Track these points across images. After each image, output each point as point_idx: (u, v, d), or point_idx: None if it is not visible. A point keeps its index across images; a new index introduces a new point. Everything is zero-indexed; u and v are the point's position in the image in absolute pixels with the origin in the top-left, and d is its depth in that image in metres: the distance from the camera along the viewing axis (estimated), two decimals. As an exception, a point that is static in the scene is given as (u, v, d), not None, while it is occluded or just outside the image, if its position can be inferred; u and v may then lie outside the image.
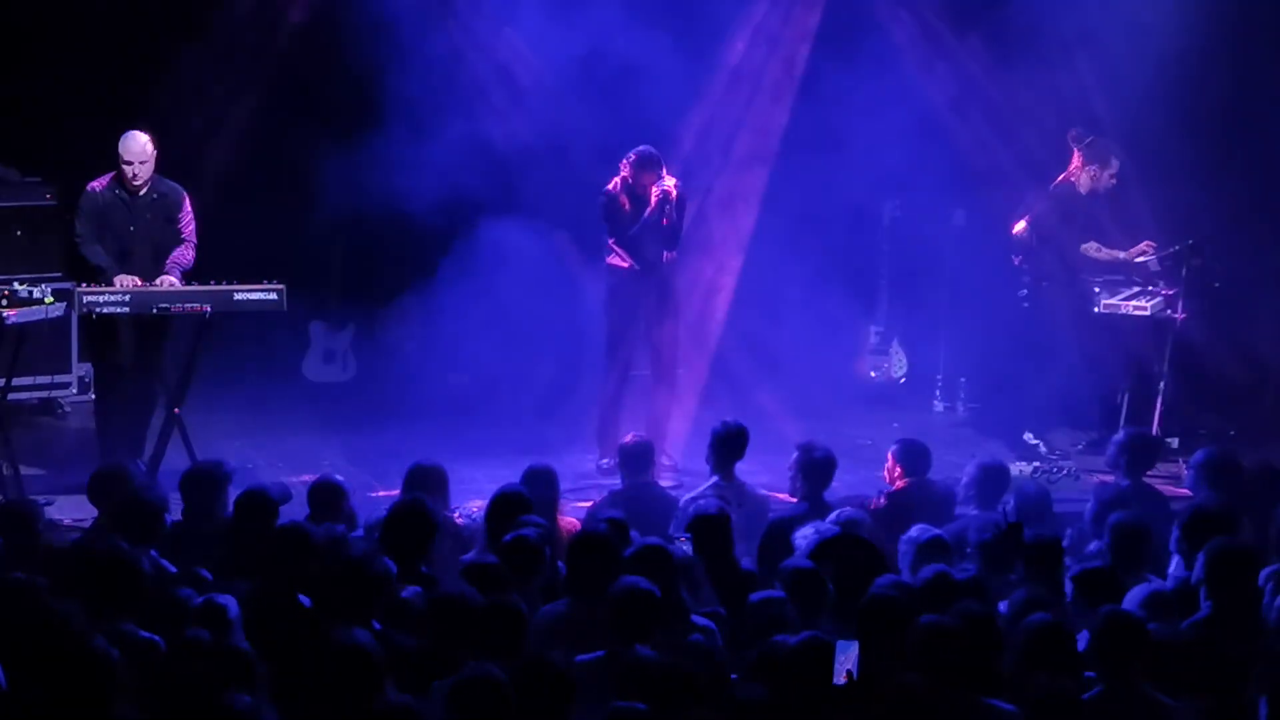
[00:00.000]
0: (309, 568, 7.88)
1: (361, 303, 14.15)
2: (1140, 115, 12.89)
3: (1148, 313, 12.40)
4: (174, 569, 8.37)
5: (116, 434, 11.21)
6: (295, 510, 9.24)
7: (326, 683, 6.56)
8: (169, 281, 11.06)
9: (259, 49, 13.24)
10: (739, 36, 13.32)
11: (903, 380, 14.46)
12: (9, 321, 10.73)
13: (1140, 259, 12.59)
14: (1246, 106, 13.36)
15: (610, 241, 11.94)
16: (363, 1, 12.68)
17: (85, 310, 10.92)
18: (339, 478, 9.40)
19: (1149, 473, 10.66)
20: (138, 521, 8.49)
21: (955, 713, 6.69)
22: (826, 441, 9.95)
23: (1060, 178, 12.55)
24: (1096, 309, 12.45)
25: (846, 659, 6.87)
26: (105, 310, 10.91)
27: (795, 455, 9.71)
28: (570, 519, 9.51)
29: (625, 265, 11.92)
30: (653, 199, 11.80)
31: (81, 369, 12.89)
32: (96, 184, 11.21)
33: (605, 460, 11.78)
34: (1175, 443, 12.41)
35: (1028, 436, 12.62)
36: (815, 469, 9.65)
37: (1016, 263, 12.71)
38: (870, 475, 11.15)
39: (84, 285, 10.95)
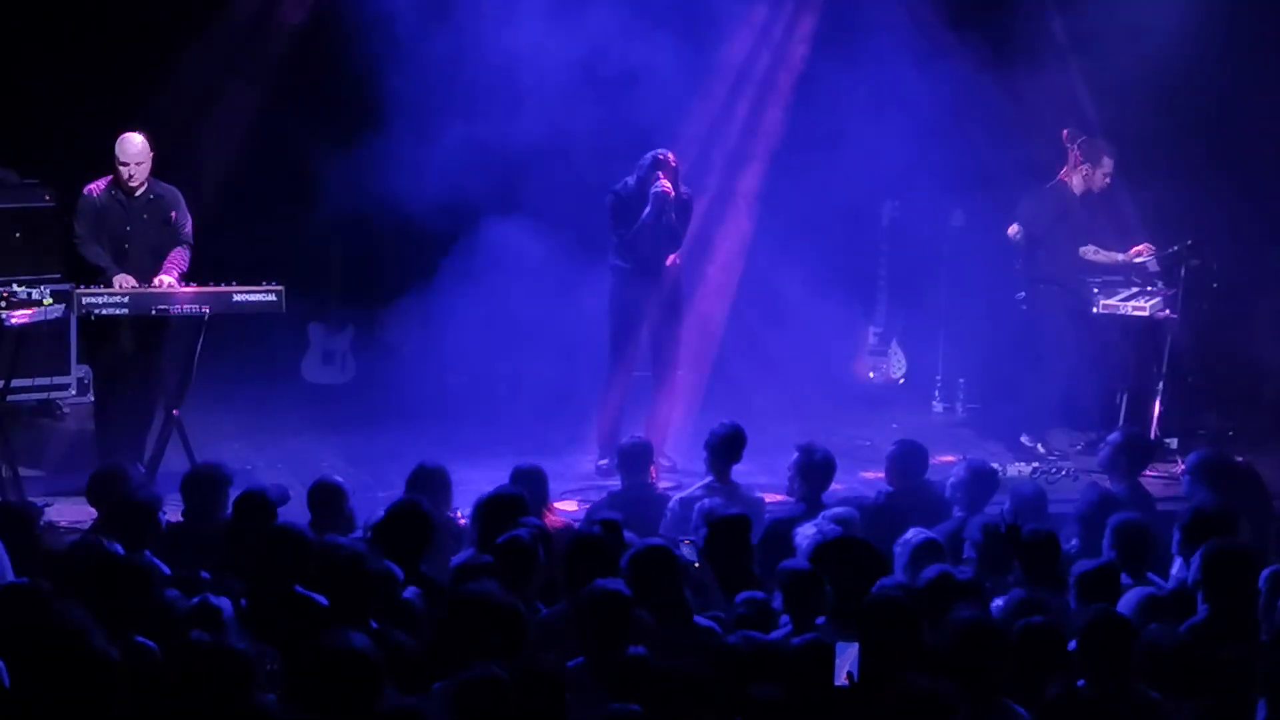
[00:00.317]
0: (306, 569, 7.90)
1: (360, 304, 14.15)
2: (1138, 116, 12.89)
3: (1146, 313, 12.42)
4: (168, 570, 8.38)
5: (115, 436, 11.21)
6: (294, 511, 9.25)
7: (324, 687, 6.57)
8: (167, 283, 11.06)
9: (258, 51, 13.25)
10: (738, 37, 13.32)
11: (901, 381, 14.46)
12: (8, 323, 10.73)
13: (1139, 260, 12.59)
14: (1244, 107, 13.36)
15: (614, 242, 11.95)
16: (361, 3, 12.69)
17: (84, 312, 10.92)
18: (338, 478, 9.41)
19: (1148, 473, 10.70)
20: (131, 522, 8.51)
21: (974, 715, 6.71)
22: (825, 442, 9.98)
23: (1055, 179, 12.55)
24: (1095, 310, 12.46)
25: (846, 661, 6.87)
26: (104, 312, 10.91)
27: (795, 457, 9.72)
28: (556, 518, 9.51)
29: (628, 266, 11.94)
30: (650, 200, 11.81)
31: (80, 370, 12.88)
32: (94, 186, 11.21)
33: (604, 461, 11.78)
34: (1174, 443, 12.42)
35: (1025, 438, 12.62)
36: (814, 470, 9.66)
37: (1018, 268, 12.69)
38: (869, 476, 11.17)
39: (83, 287, 10.95)
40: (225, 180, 13.11)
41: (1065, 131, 12.52)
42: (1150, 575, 8.57)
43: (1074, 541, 9.09)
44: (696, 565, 8.40)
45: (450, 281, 12.84)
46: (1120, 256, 12.61)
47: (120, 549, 8.05)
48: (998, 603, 7.92)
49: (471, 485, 10.16)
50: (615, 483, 10.38)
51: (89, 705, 6.38)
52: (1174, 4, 13.08)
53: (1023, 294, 12.71)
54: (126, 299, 10.92)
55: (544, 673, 6.62)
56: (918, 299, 14.28)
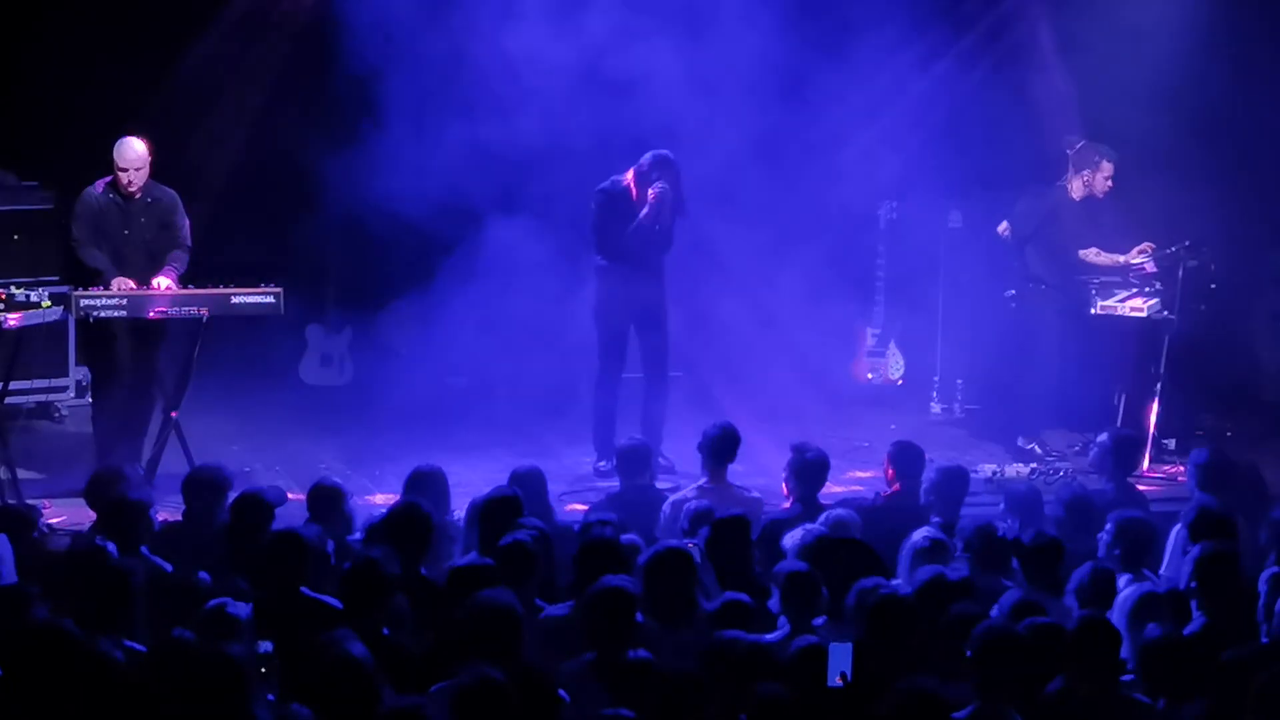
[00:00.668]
0: (306, 572, 7.92)
1: (359, 306, 14.15)
2: (1136, 117, 12.89)
3: (1144, 314, 12.42)
4: (169, 567, 8.40)
5: (114, 438, 11.21)
6: (292, 513, 9.25)
7: (321, 694, 6.59)
8: (165, 285, 11.06)
9: (256, 53, 13.24)
10: (736, 39, 13.31)
11: (900, 382, 14.46)
12: (6, 325, 10.73)
13: (1137, 260, 12.60)
14: (1242, 108, 13.37)
15: (601, 243, 11.90)
16: (359, 5, 12.69)
17: (82, 314, 10.93)
18: (337, 480, 9.42)
19: (1147, 474, 10.73)
20: (123, 522, 8.52)
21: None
22: (824, 443, 10.00)
23: (1057, 183, 12.55)
24: (1093, 310, 12.46)
25: (841, 661, 6.87)
26: (102, 314, 10.92)
27: (789, 457, 9.74)
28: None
29: (613, 266, 11.90)
30: (648, 202, 11.81)
31: (79, 373, 12.90)
32: (92, 188, 11.22)
33: (603, 463, 11.78)
34: (1172, 444, 12.43)
35: (1023, 439, 12.63)
36: (807, 470, 9.67)
37: (1015, 265, 12.70)
38: (867, 477, 11.17)
39: (81, 289, 10.96)
40: (224, 183, 13.12)
41: (1067, 138, 12.52)
42: (1147, 572, 8.59)
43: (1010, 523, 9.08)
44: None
45: (448, 283, 12.84)
46: (1122, 259, 12.61)
47: (114, 549, 8.10)
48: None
49: (470, 487, 10.18)
50: (614, 484, 10.38)
51: (71, 707, 6.40)
52: (1172, 5, 13.09)
53: (1012, 291, 12.71)
54: (125, 301, 10.93)
55: (541, 675, 6.62)
56: (916, 300, 14.27)
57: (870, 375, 14.47)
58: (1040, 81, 12.99)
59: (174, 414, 11.22)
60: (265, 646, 7.19)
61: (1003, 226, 12.62)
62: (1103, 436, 10.56)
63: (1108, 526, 8.72)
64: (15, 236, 12.96)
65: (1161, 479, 11.74)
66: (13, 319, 10.72)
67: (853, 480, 11.46)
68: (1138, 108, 12.90)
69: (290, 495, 9.74)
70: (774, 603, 7.95)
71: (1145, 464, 11.87)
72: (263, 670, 7.07)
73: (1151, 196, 12.80)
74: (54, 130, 13.20)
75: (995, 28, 13.20)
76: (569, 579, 8.23)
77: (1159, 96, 12.91)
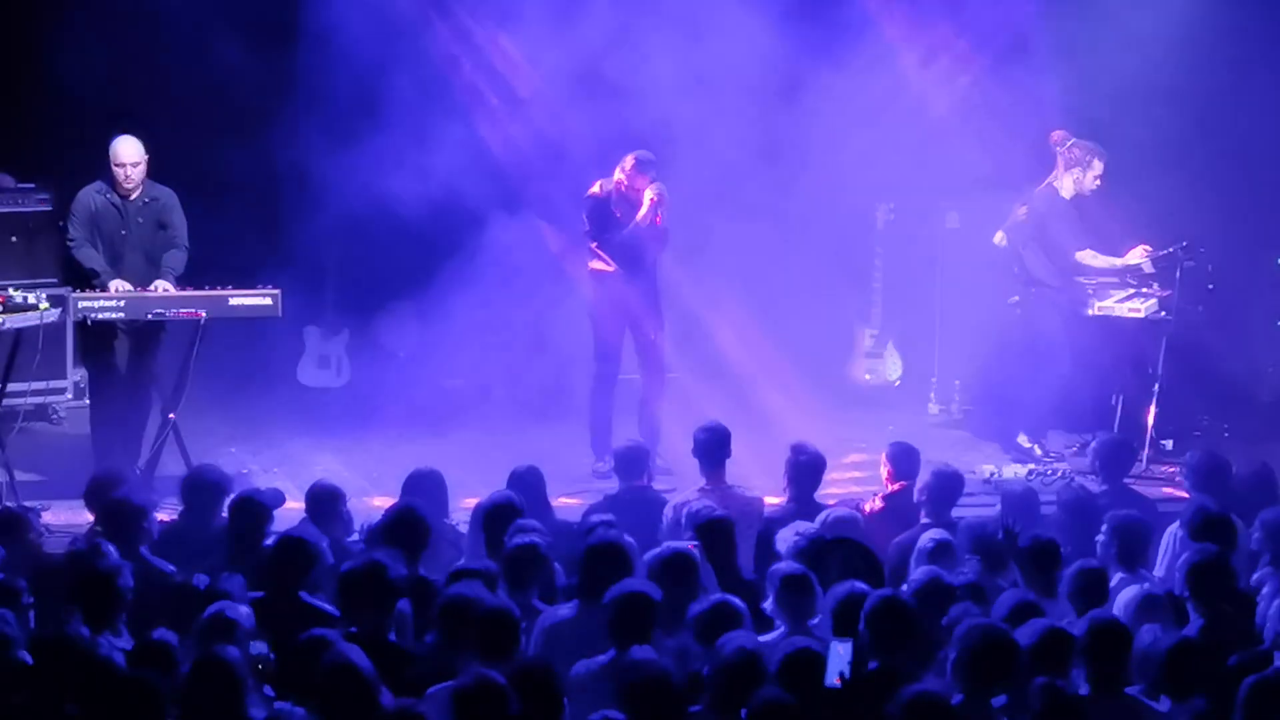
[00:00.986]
0: (306, 578, 7.93)
1: (356, 308, 14.14)
2: (1133, 118, 12.88)
3: (1141, 315, 12.42)
4: (172, 569, 8.40)
5: (112, 440, 11.20)
6: (290, 515, 9.26)
7: (320, 695, 6.60)
8: (163, 287, 11.06)
9: (254, 53, 13.23)
10: (733, 39, 13.32)
11: (898, 383, 14.46)
12: (4, 327, 10.73)
13: (1134, 261, 12.60)
14: (1239, 108, 13.36)
15: (593, 245, 11.91)
16: (358, 6, 12.69)
17: (80, 316, 10.93)
18: (334, 482, 9.42)
19: (1146, 474, 10.73)
20: (124, 525, 8.52)
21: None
22: (821, 444, 9.99)
23: (1044, 183, 12.56)
24: (1091, 312, 12.46)
25: (839, 661, 6.87)
26: (100, 316, 10.92)
27: (786, 457, 9.76)
28: None
29: (610, 269, 11.90)
30: (646, 203, 11.81)
31: (77, 375, 12.89)
32: (89, 189, 11.21)
33: (600, 464, 11.78)
34: (1170, 444, 12.43)
35: (1022, 439, 12.63)
36: (802, 470, 9.69)
37: (1015, 271, 12.69)
38: (865, 478, 11.17)
39: (79, 291, 10.95)
40: (221, 184, 13.11)
41: (1054, 134, 12.52)
42: (1143, 572, 8.60)
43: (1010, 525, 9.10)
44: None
45: (446, 285, 12.84)
46: (1119, 261, 12.61)
47: (115, 551, 8.10)
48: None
49: (467, 489, 10.18)
50: (611, 485, 10.38)
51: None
52: (1168, 6, 13.09)
53: (1016, 298, 12.71)
54: (123, 303, 10.93)
55: (541, 676, 6.62)
56: (913, 301, 14.27)
57: (868, 376, 14.46)
58: (1038, 82, 12.97)
59: (172, 415, 11.22)
60: (261, 648, 7.21)
61: (999, 237, 12.60)
62: (1095, 440, 10.59)
63: (1103, 527, 8.74)
64: (13, 238, 12.95)
65: (1159, 479, 11.74)
66: (11, 321, 10.72)
67: (851, 481, 11.46)
68: (1135, 108, 12.89)
69: (288, 497, 9.73)
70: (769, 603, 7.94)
71: (1143, 464, 11.88)
72: (259, 667, 7.09)
73: (1149, 197, 12.79)
74: (52, 131, 13.19)
75: (994, 28, 13.17)
76: (564, 580, 8.24)
77: (1156, 97, 12.90)
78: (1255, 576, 8.62)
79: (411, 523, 8.42)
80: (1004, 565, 8.44)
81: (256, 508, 8.80)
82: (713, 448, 9.93)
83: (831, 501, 9.64)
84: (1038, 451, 12.53)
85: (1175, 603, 8.09)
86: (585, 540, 8.19)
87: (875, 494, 10.07)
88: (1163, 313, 12.37)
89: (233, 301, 11.09)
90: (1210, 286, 12.60)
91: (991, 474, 11.86)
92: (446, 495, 9.50)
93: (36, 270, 12.76)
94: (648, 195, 11.83)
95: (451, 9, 13.37)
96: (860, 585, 7.53)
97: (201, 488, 9.32)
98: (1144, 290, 12.53)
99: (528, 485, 9.36)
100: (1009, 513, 9.18)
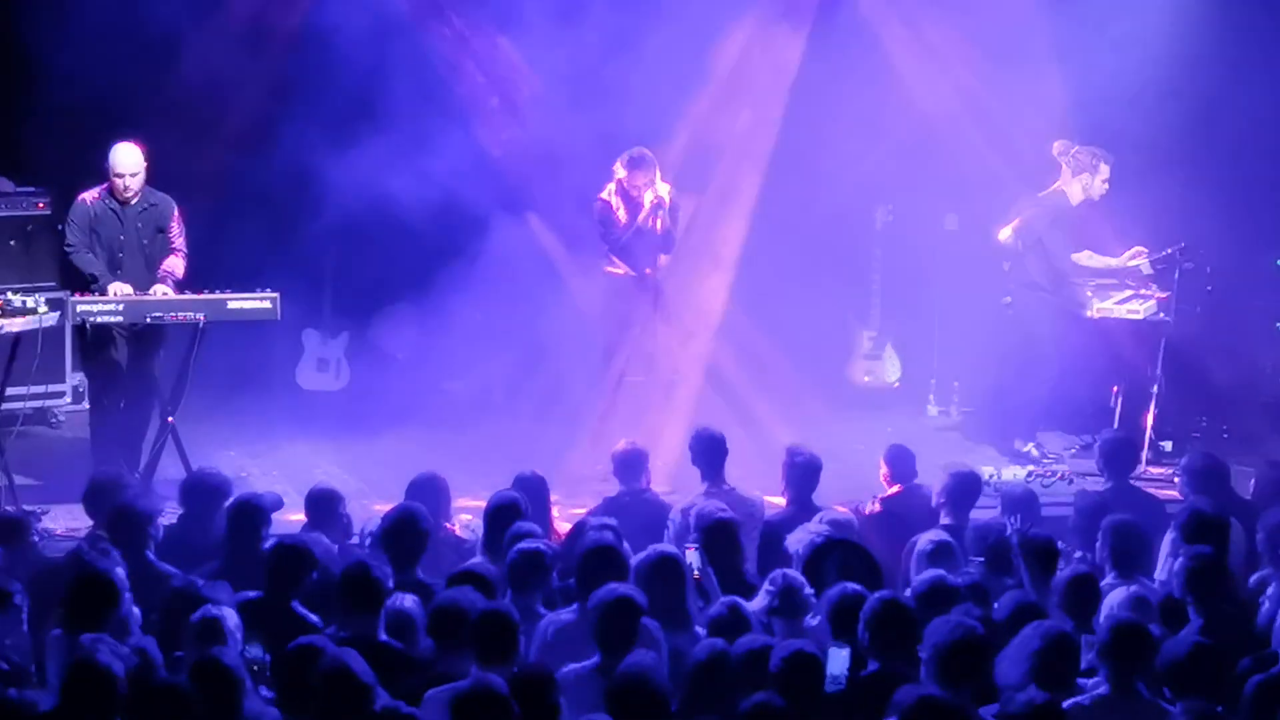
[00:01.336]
0: (305, 575, 7.93)
1: (355, 311, 14.14)
2: (1131, 119, 12.88)
3: (1140, 316, 12.43)
4: (176, 572, 8.41)
5: (111, 443, 11.20)
6: (290, 517, 9.27)
7: (316, 699, 6.61)
8: (162, 291, 11.06)
9: (252, 57, 13.24)
10: (732, 42, 13.32)
11: (896, 385, 14.46)
12: (2, 331, 10.73)
13: (1132, 263, 12.61)
14: (1237, 109, 13.36)
15: (606, 249, 11.96)
16: (357, 8, 12.69)
17: (79, 320, 10.93)
18: (333, 485, 9.42)
19: (1144, 475, 10.72)
20: (129, 530, 8.52)
21: None
22: (819, 446, 9.99)
23: (1051, 187, 12.56)
24: (1089, 313, 12.47)
25: (838, 664, 6.87)
26: (99, 320, 10.92)
27: (783, 459, 9.77)
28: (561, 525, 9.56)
29: (620, 272, 11.96)
30: (646, 204, 11.82)
31: (76, 378, 12.89)
32: (88, 194, 11.22)
33: (600, 467, 11.78)
34: (1169, 445, 12.43)
35: (1020, 442, 12.63)
36: (799, 472, 9.71)
37: (1006, 269, 12.71)
38: (864, 480, 11.17)
39: (78, 295, 10.95)
40: (219, 187, 13.11)
41: (1055, 145, 12.52)
42: (1141, 578, 8.59)
43: (1078, 553, 9.10)
44: (697, 573, 8.41)
45: (445, 288, 12.84)
46: (1115, 262, 12.62)
47: (117, 555, 8.11)
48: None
49: (467, 492, 10.18)
50: (611, 488, 10.37)
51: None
52: (1166, 8, 13.09)
53: (1009, 298, 12.71)
54: (122, 307, 10.93)
55: (538, 679, 6.63)
56: (912, 303, 14.28)
57: (867, 378, 14.46)
58: (1036, 83, 12.97)
59: (171, 419, 11.21)
60: (256, 652, 7.22)
61: (1005, 233, 12.58)
62: (1100, 439, 10.60)
63: (1100, 531, 8.74)
64: (11, 242, 12.95)
65: (1158, 481, 11.74)
66: (10, 325, 10.71)
67: (859, 485, 11.46)
68: (1135, 108, 12.89)
69: (287, 500, 9.74)
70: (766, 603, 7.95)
71: (1142, 466, 11.88)
72: (254, 669, 7.10)
73: (1148, 198, 12.79)
74: (50, 135, 13.18)
75: (991, 29, 13.17)
76: (560, 584, 8.25)
77: (1156, 97, 12.90)
78: (1255, 578, 8.63)
79: (411, 526, 8.42)
80: (1010, 567, 8.45)
81: (255, 511, 8.81)
82: (709, 452, 9.93)
83: (841, 509, 9.59)
84: (1036, 453, 12.54)
85: (1172, 606, 8.10)
86: (582, 544, 8.20)
87: (874, 496, 10.07)
88: (1161, 314, 12.38)
89: (231, 305, 11.09)
90: (1209, 288, 12.60)
91: (991, 476, 11.84)
92: (449, 500, 9.50)
93: (35, 274, 12.76)
94: (647, 198, 11.85)
95: (449, 13, 13.37)
96: (856, 587, 7.54)
97: (200, 491, 9.32)
98: (1143, 292, 12.54)
99: (531, 490, 9.35)
100: (1009, 514, 9.19)
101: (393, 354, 13.89)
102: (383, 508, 9.20)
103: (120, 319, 10.96)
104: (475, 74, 13.44)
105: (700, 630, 7.71)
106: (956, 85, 13.15)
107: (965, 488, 9.53)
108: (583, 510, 10.06)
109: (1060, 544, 8.69)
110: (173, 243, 11.29)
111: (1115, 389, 12.61)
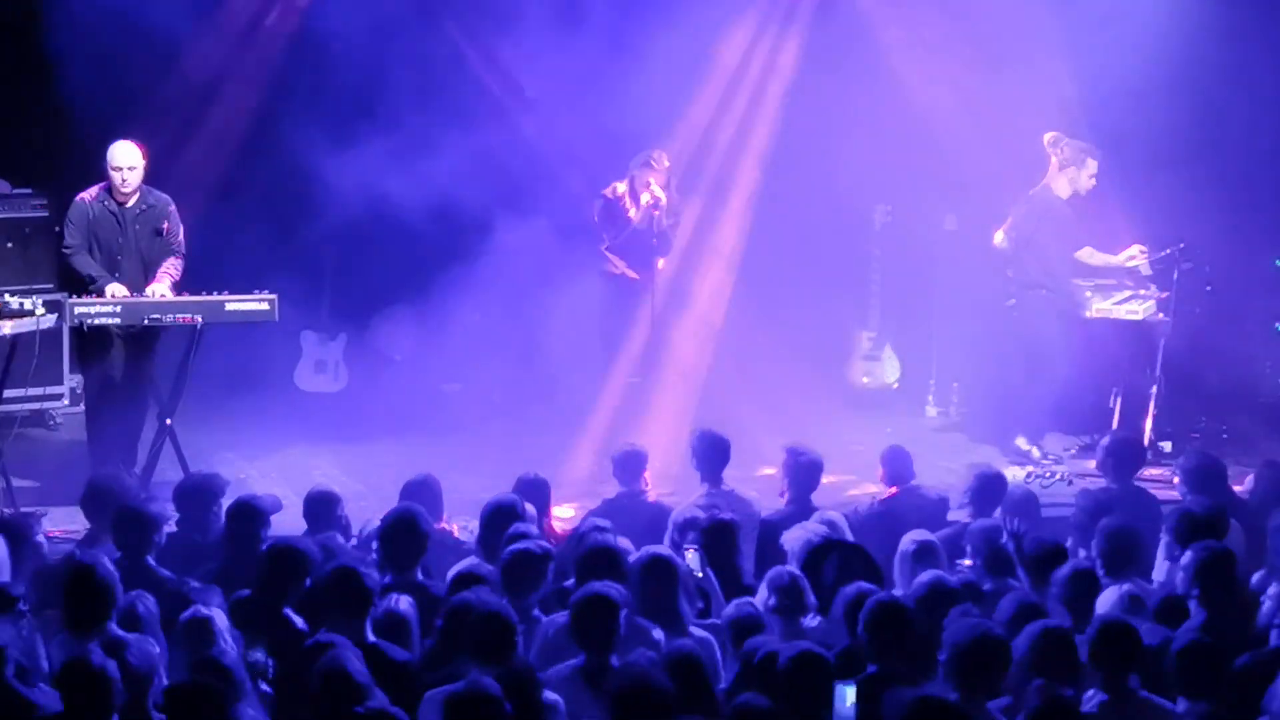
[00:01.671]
0: (300, 579, 7.92)
1: (353, 312, 14.13)
2: (1130, 119, 12.89)
3: (1139, 317, 12.43)
4: (172, 576, 8.40)
5: (108, 445, 11.19)
6: (288, 520, 9.25)
7: (311, 699, 6.60)
8: (160, 292, 11.05)
9: (250, 58, 13.23)
10: (731, 43, 13.32)
11: (896, 385, 14.45)
12: (0, 333, 10.71)
13: (1131, 263, 12.60)
14: (1236, 110, 13.37)
15: (603, 248, 11.96)
16: (355, 9, 12.69)
17: (77, 321, 10.91)
18: (332, 487, 9.41)
19: (1144, 476, 10.71)
20: (135, 534, 8.52)
21: None
22: (819, 447, 9.98)
23: (1039, 184, 12.55)
24: (1089, 313, 12.46)
25: (843, 703, 6.81)
26: (97, 321, 10.91)
27: (782, 459, 9.75)
28: (559, 525, 9.54)
29: (617, 271, 11.96)
30: (643, 202, 11.82)
31: (73, 380, 12.88)
32: (86, 195, 11.20)
33: (599, 468, 11.77)
34: (1168, 446, 12.42)
35: (1020, 442, 12.62)
36: (800, 472, 9.71)
37: (1010, 275, 12.68)
38: (863, 481, 11.17)
39: (75, 296, 10.94)
40: (217, 189, 13.10)
41: (1047, 135, 12.51)
42: (1137, 580, 8.58)
43: (1082, 553, 9.09)
44: (699, 574, 8.40)
45: (443, 290, 12.83)
46: (1114, 259, 12.61)
47: (117, 556, 8.11)
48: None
49: (466, 493, 10.17)
50: (609, 489, 10.37)
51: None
52: (1166, 7, 13.09)
53: (1013, 301, 12.71)
54: (119, 308, 10.91)
55: (521, 678, 6.63)
56: (911, 304, 14.27)
57: (866, 379, 14.45)
58: (1035, 83, 12.96)
59: (168, 421, 11.21)
60: (257, 655, 7.21)
61: (999, 238, 12.58)
62: (1104, 439, 10.60)
63: (1096, 532, 8.73)
64: (9, 244, 12.95)
65: (1158, 482, 11.73)
66: (8, 327, 10.70)
67: (849, 484, 11.46)
68: (1135, 108, 12.89)
69: (285, 502, 9.72)
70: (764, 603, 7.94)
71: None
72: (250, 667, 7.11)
73: (1148, 197, 12.79)
74: (48, 137, 13.18)
75: (989, 28, 13.17)
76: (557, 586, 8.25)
77: (1156, 97, 12.90)
78: (1256, 577, 8.62)
79: (407, 527, 8.40)
80: (1010, 568, 8.44)
81: (253, 513, 8.79)
82: (710, 454, 9.93)
83: (833, 514, 9.59)
84: (1036, 454, 12.52)
85: (1170, 605, 8.08)
86: (579, 545, 8.19)
87: (873, 497, 10.07)
88: (1161, 314, 12.38)
89: (229, 306, 11.08)
90: (1208, 288, 12.61)
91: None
92: (443, 501, 9.49)
93: (32, 276, 12.75)
94: (644, 198, 11.86)
95: (449, 14, 13.37)
96: (872, 587, 7.55)
97: (198, 493, 9.30)
98: (1142, 292, 12.54)
99: (533, 492, 9.34)
100: (1009, 515, 9.18)
101: (391, 355, 13.88)
102: (381, 509, 9.18)
103: (118, 321, 10.95)
104: (475, 76, 13.43)
105: (695, 630, 7.69)
106: (955, 85, 13.13)
107: (990, 487, 9.54)
108: (578, 511, 10.07)
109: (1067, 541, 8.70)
110: (170, 242, 11.27)
111: (1115, 390, 12.60)
